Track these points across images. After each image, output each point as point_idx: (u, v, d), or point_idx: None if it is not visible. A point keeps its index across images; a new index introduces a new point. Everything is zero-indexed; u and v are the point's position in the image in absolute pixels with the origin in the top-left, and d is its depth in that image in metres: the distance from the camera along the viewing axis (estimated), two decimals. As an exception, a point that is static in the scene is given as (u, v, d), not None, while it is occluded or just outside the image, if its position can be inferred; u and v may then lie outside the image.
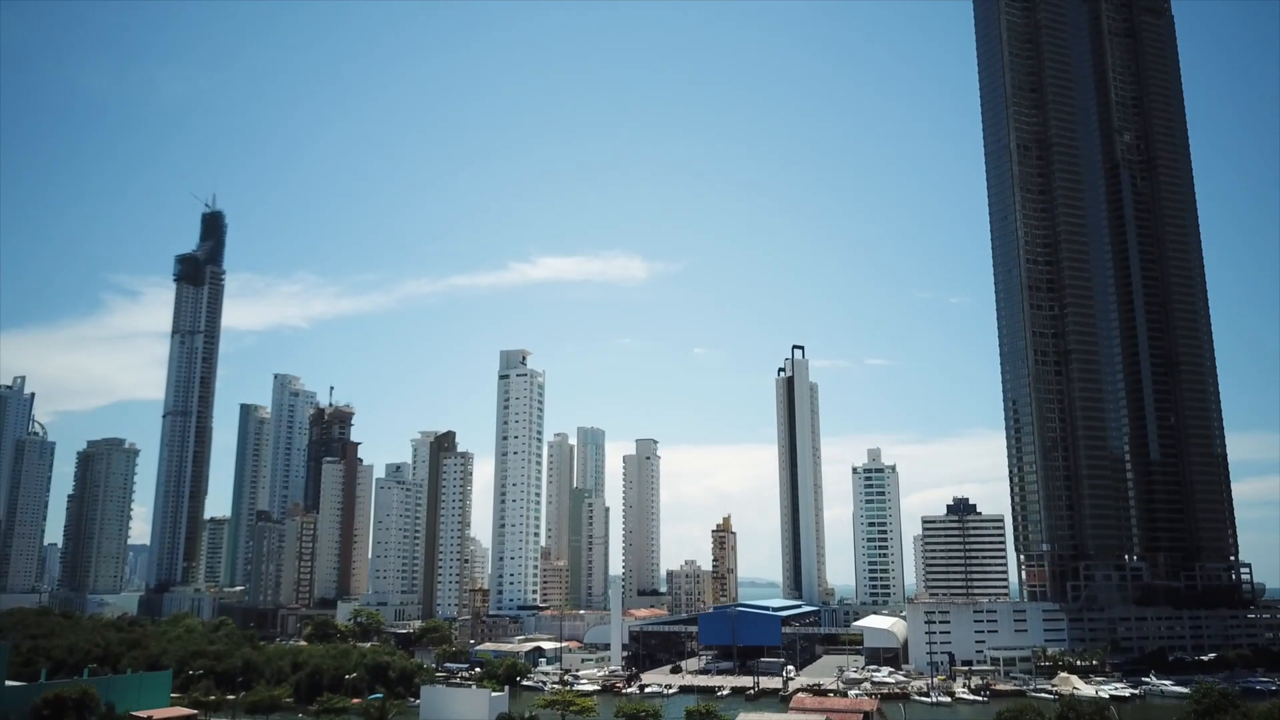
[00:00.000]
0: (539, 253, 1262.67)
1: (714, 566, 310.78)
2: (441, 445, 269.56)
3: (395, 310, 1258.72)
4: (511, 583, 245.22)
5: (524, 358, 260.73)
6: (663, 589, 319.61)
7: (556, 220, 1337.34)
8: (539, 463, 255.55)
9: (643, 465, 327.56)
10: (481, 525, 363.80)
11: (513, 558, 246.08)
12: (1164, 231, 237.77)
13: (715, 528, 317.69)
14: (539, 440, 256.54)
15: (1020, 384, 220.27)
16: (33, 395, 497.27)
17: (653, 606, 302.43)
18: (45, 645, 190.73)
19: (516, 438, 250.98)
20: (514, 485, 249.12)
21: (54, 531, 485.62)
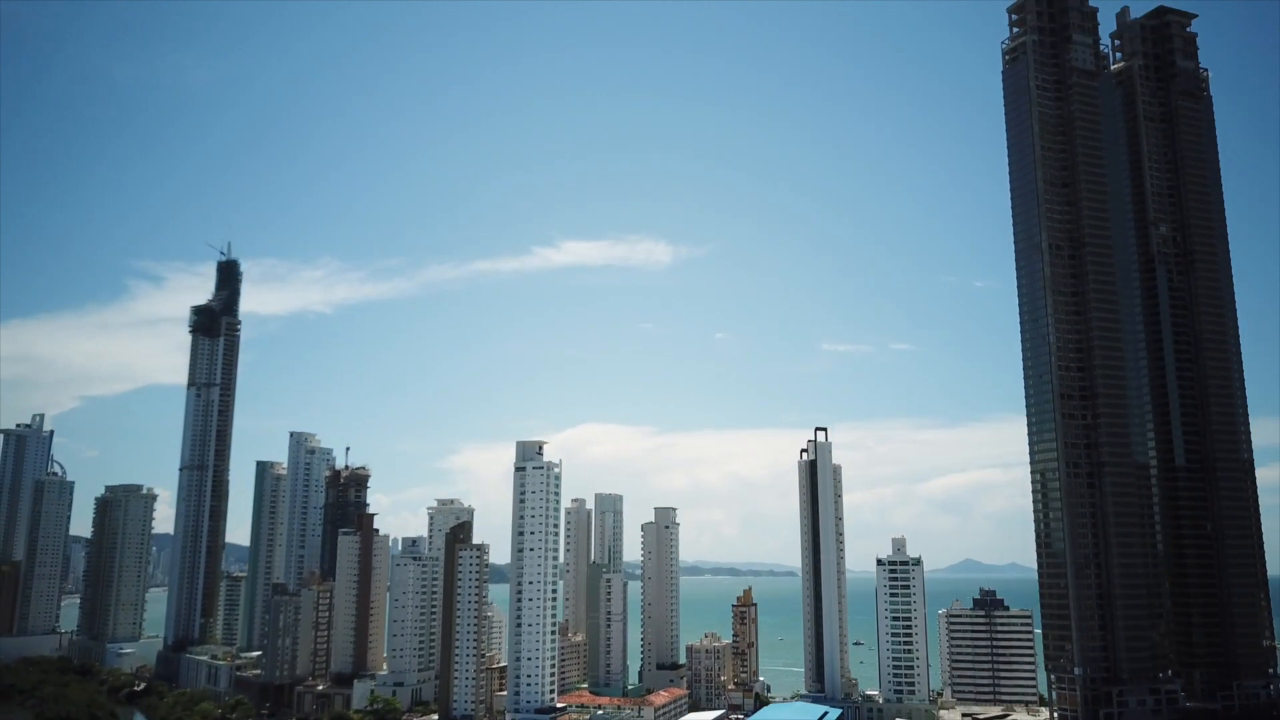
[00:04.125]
0: (563, 237, 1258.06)
1: (734, 642, 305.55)
2: (456, 536, 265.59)
3: (417, 296, 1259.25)
4: (529, 684, 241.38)
5: (540, 448, 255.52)
6: (682, 660, 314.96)
7: (582, 203, 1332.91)
8: (556, 559, 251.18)
9: (661, 534, 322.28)
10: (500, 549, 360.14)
11: (530, 658, 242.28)
12: (1201, 329, 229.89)
13: (735, 602, 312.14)
14: (555, 535, 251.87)
15: (1053, 498, 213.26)
16: (51, 433, 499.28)
17: (672, 683, 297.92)
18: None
19: (533, 533, 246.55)
20: (530, 584, 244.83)
21: (80, 524, 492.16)
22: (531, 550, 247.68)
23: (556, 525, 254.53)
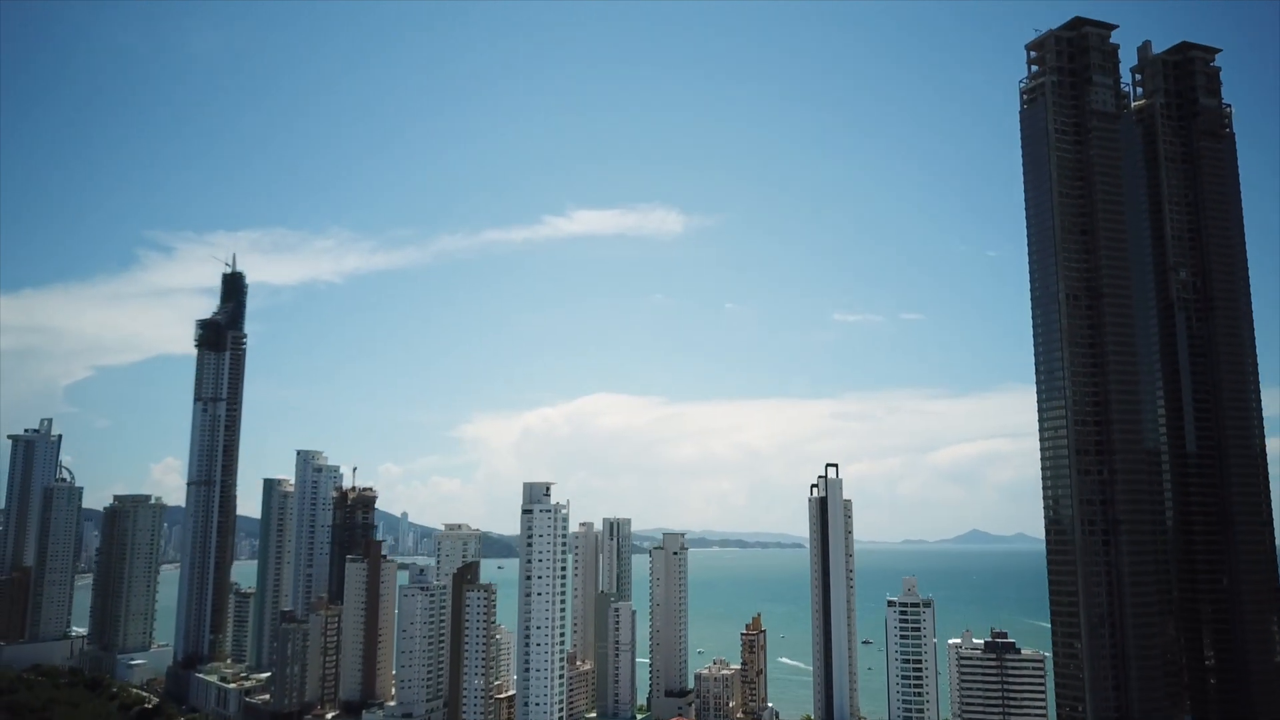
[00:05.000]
0: (574, 206, 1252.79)
1: (743, 669, 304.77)
2: (464, 577, 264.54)
3: (429, 265, 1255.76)
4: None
5: (547, 489, 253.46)
6: (691, 685, 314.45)
7: (593, 172, 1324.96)
8: (563, 603, 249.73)
9: (670, 561, 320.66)
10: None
11: (538, 702, 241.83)
12: (1220, 376, 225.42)
13: (745, 629, 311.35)
14: (563, 579, 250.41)
15: (1066, 554, 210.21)
16: (60, 437, 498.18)
17: (680, 711, 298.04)
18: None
19: (540, 577, 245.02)
20: (538, 628, 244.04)
21: (92, 498, 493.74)
22: (539, 595, 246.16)
23: (564, 569, 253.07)
